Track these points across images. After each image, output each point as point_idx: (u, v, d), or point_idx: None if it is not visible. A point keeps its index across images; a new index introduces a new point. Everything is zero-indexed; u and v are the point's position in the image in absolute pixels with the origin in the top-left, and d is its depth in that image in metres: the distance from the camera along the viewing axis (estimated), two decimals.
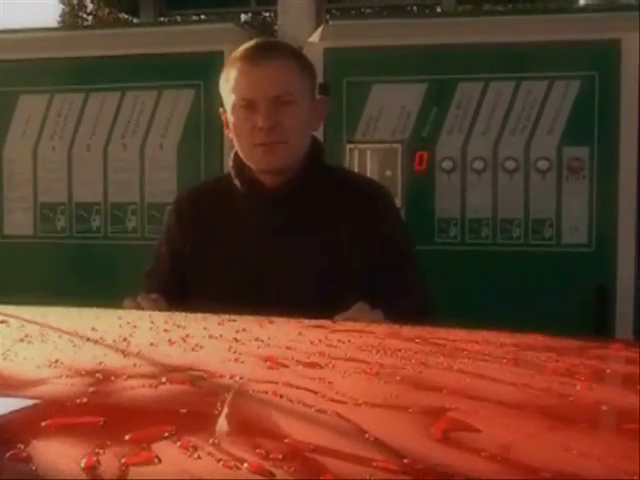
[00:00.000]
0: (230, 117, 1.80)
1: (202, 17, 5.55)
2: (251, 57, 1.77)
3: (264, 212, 1.81)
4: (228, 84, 1.79)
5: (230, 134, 1.83)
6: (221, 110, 1.85)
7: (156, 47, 3.12)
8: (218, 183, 1.97)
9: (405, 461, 0.58)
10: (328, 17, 3.59)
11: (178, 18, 5.18)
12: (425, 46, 2.92)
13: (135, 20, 5.12)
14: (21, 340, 1.04)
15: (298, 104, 1.77)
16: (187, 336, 1.09)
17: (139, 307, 1.62)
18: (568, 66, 2.84)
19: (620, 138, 2.78)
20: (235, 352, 0.99)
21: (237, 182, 1.83)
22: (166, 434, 0.62)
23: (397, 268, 1.79)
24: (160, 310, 1.60)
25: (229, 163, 1.87)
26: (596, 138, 2.80)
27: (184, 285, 1.84)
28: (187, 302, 1.75)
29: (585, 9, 4.07)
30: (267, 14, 11.57)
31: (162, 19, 4.82)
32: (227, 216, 1.83)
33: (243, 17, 11.72)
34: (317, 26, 3.12)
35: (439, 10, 4.75)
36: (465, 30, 2.95)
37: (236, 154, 1.84)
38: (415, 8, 5.50)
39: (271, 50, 1.80)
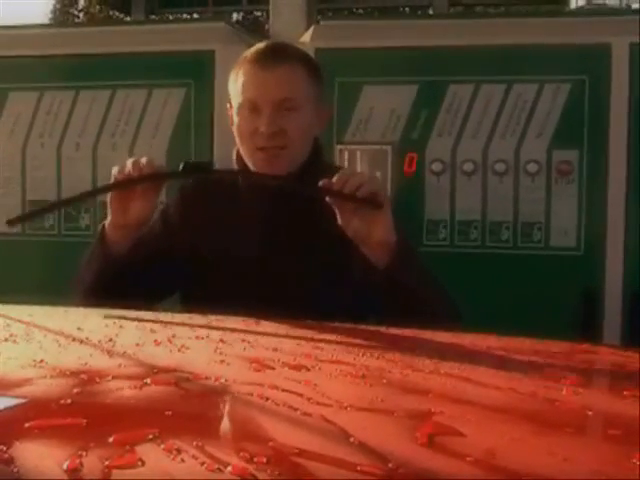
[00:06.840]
0: (235, 117, 1.80)
1: (194, 16, 5.54)
2: (260, 59, 1.77)
3: (265, 207, 1.81)
4: (236, 84, 1.79)
5: (234, 132, 1.83)
6: (228, 106, 1.85)
7: (147, 45, 3.10)
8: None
9: (389, 465, 0.58)
10: (320, 17, 3.59)
11: (170, 16, 5.17)
12: (416, 48, 2.91)
13: (126, 18, 5.11)
14: (6, 339, 1.04)
15: (302, 110, 1.77)
16: (173, 337, 1.09)
17: (130, 178, 1.67)
18: (558, 69, 2.84)
19: (609, 142, 2.78)
20: (221, 353, 0.98)
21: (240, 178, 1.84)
22: (150, 436, 0.61)
23: None
24: (150, 176, 1.66)
25: (233, 157, 1.88)
26: (585, 142, 2.80)
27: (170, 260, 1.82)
28: (183, 291, 1.78)
29: (576, 13, 4.08)
30: (259, 13, 11.56)
31: (153, 17, 4.81)
32: (228, 207, 1.84)
33: (235, 16, 11.72)
34: (309, 26, 3.11)
35: (431, 12, 4.76)
36: (456, 32, 2.94)
37: (239, 151, 1.85)
38: (407, 9, 5.51)
39: (280, 54, 1.80)
